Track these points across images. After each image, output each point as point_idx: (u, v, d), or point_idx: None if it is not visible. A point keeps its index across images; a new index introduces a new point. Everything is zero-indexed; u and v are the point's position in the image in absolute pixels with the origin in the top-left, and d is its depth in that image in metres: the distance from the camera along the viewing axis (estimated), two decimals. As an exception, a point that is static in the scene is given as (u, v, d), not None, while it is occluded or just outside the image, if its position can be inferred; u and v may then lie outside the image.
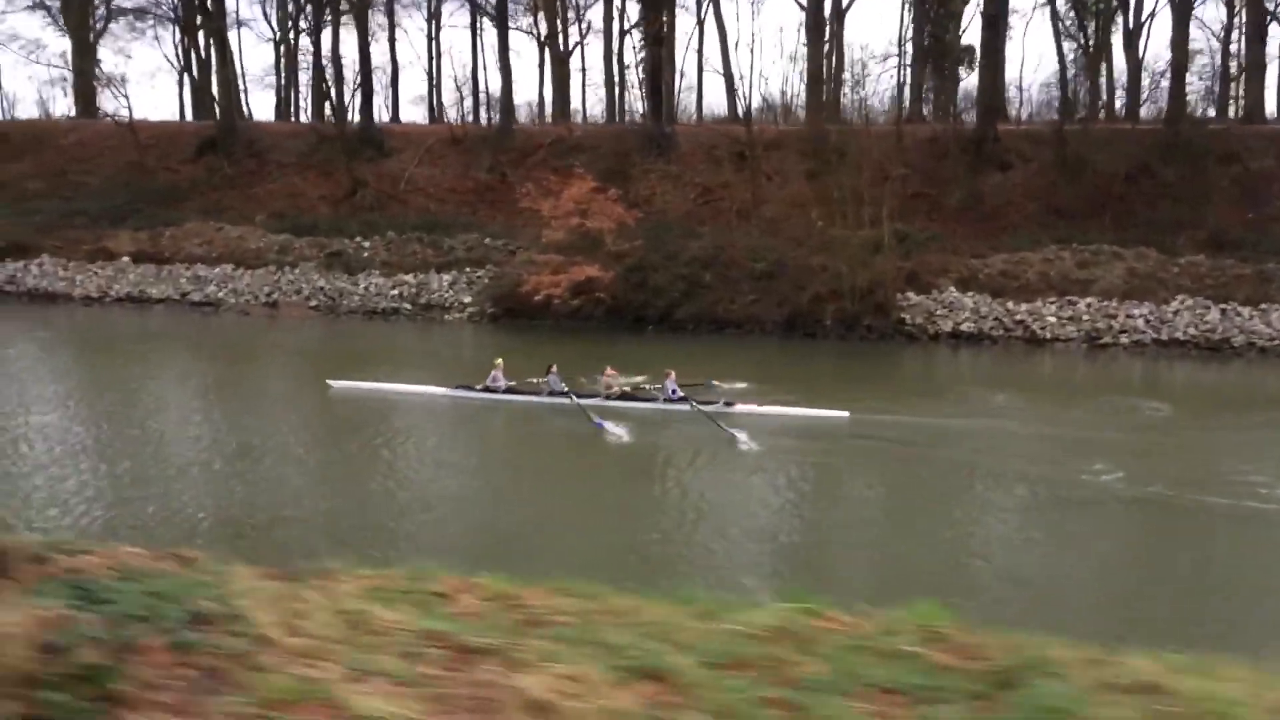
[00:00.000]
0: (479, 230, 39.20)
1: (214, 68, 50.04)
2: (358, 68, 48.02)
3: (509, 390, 21.90)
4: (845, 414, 20.04)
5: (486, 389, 21.96)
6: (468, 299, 36.21)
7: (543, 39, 50.60)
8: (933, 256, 33.46)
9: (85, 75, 60.21)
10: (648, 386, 22.14)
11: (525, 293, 33.52)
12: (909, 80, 52.01)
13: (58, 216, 41.84)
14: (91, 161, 47.16)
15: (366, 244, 38.95)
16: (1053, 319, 31.09)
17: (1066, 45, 47.39)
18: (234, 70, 49.74)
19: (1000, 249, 33.81)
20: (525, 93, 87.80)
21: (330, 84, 47.90)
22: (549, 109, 53.57)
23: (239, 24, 52.30)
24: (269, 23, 64.59)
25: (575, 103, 54.99)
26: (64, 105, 59.42)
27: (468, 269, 37.12)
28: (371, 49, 48.03)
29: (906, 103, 50.12)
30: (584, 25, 54.17)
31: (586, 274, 32.13)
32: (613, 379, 22.19)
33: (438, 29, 52.95)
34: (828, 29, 45.09)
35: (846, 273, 31.98)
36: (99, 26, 57.77)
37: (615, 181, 40.94)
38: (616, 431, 19.00)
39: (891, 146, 37.62)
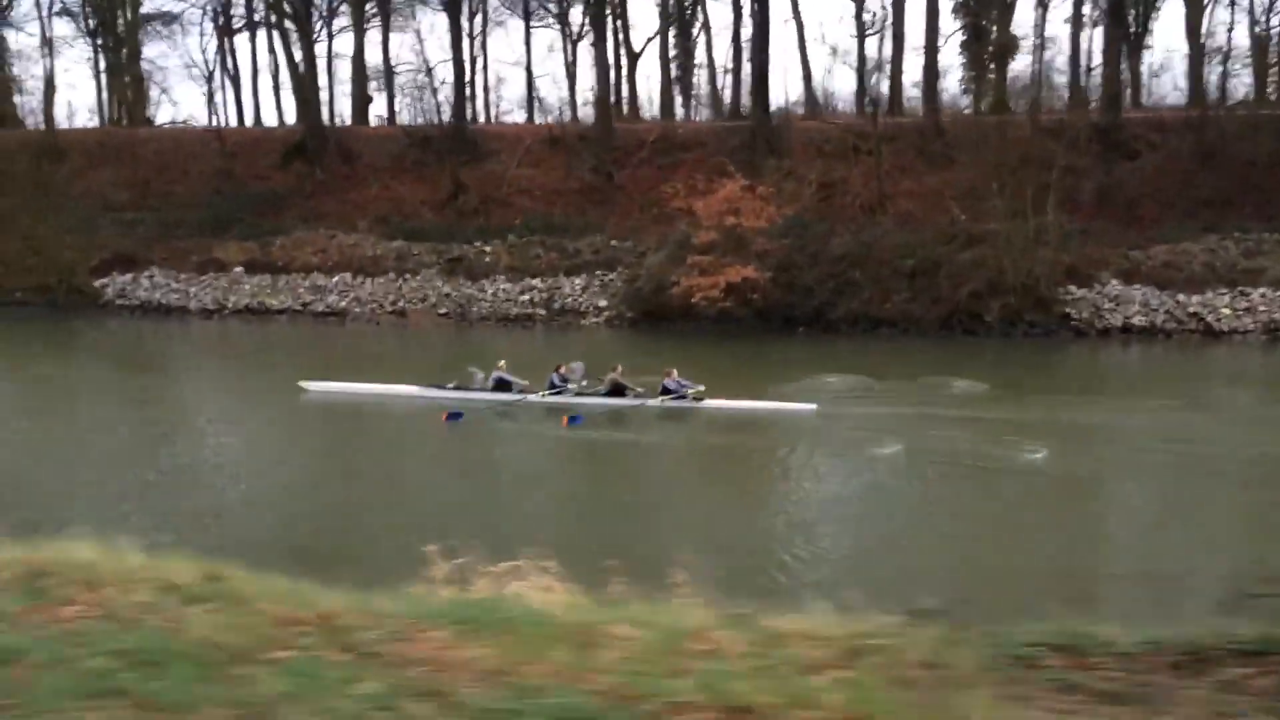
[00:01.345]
0: (599, 232, 38.42)
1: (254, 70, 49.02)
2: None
3: (498, 386, 21.83)
4: (812, 407, 20.88)
5: (458, 386, 22.01)
6: (603, 303, 35.48)
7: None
8: (1090, 249, 32.86)
9: (138, 82, 59.20)
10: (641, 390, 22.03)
11: (673, 295, 32.80)
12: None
13: (159, 227, 40.86)
14: (176, 170, 46.13)
15: (487, 249, 38.11)
16: (1227, 310, 30.58)
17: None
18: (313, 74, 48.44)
19: (1152, 240, 33.25)
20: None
21: (427, 86, 46.82)
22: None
23: (328, 27, 50.64)
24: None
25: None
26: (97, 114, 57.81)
27: (598, 272, 36.34)
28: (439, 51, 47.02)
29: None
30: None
31: (742, 275, 31.40)
32: (618, 376, 22.18)
33: (529, 30, 51.67)
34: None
35: (1009, 267, 31.37)
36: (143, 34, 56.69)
37: (722, 180, 40.47)
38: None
39: (1019, 137, 36.87)
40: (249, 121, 55.04)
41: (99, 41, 56.24)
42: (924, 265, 32.83)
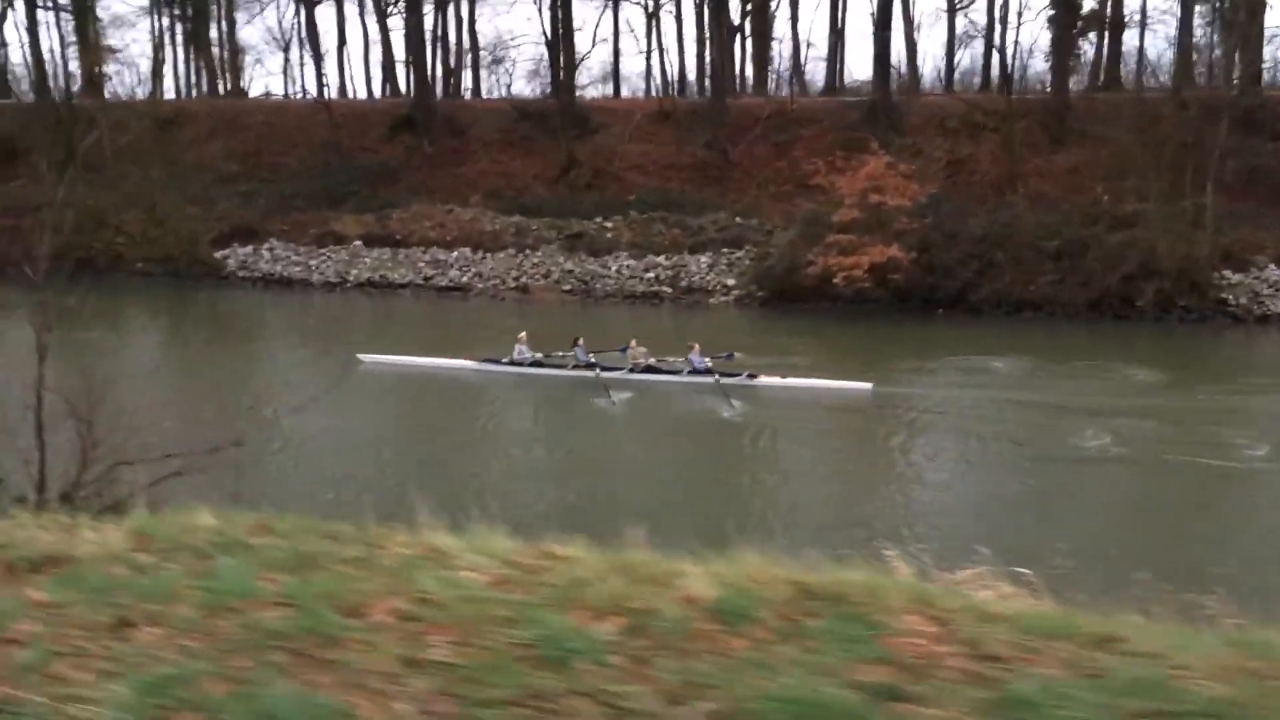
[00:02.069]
0: (717, 209, 37.76)
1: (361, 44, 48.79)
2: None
3: (534, 364, 22.27)
4: (869, 386, 20.62)
5: (513, 362, 22.31)
6: (730, 281, 34.89)
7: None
8: (1244, 232, 31.70)
9: (235, 53, 59.28)
10: (671, 359, 22.26)
11: (809, 274, 32.13)
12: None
13: (276, 199, 40.81)
14: (284, 141, 46.09)
15: (608, 224, 37.62)
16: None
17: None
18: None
19: (1309, 222, 32.01)
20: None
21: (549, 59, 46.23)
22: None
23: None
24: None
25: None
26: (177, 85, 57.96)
27: (724, 250, 35.73)
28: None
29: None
30: None
31: (887, 254, 30.65)
32: (637, 351, 22.35)
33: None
34: None
35: (1163, 250, 30.34)
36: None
37: (840, 158, 39.60)
38: (615, 400, 20.27)
39: (1160, 115, 35.58)
40: (332, 93, 55.11)
41: (178, 12, 56.34)
42: (1070, 247, 31.86)
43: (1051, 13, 40.76)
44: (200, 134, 46.31)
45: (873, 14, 42.57)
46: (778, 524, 13.96)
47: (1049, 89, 42.87)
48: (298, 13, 55.22)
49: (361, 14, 57.85)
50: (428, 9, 47.29)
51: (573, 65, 45.84)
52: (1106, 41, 48.65)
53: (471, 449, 18.06)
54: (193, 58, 55.88)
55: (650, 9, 52.00)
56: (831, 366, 24.57)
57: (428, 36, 48.26)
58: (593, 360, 21.97)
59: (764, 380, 20.90)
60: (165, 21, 55.78)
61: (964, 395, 21.48)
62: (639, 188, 40.56)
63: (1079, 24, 42.86)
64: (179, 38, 57.69)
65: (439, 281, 36.81)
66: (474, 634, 2.81)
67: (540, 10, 46.06)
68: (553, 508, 14.45)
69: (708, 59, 46.39)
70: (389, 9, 49.65)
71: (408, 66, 47.05)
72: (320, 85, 54.90)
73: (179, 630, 2.88)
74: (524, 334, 22.69)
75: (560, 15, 44.59)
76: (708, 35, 45.76)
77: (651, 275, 35.61)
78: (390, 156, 44.18)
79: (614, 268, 36.03)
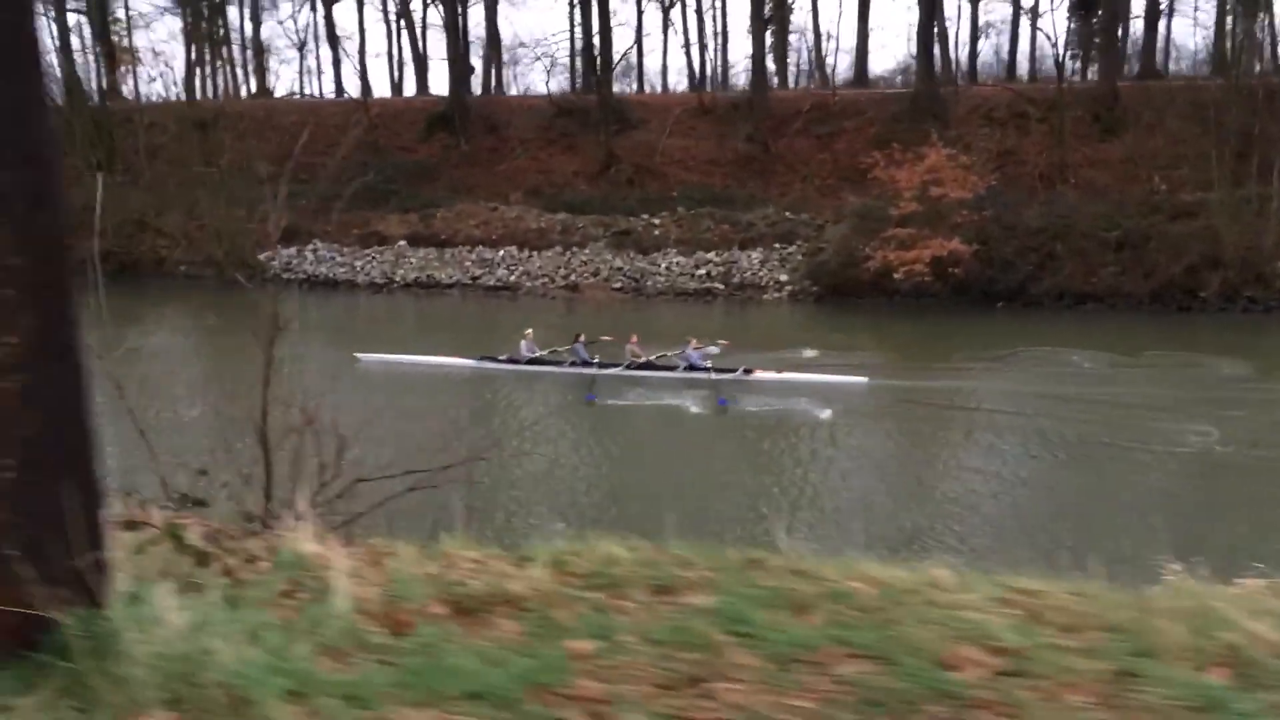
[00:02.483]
0: (762, 204, 37.38)
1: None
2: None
3: (531, 361, 22.37)
4: (864, 380, 20.71)
5: (511, 359, 22.53)
6: (783, 277, 34.53)
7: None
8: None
9: (260, 54, 59.03)
10: (669, 354, 22.29)
11: (867, 269, 31.79)
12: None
13: (316, 199, 40.35)
14: (319, 141, 45.59)
15: (655, 221, 37.27)
16: None
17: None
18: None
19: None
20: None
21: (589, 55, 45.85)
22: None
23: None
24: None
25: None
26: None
27: (776, 245, 35.35)
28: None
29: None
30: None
31: (949, 248, 30.26)
32: (635, 348, 22.38)
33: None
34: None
35: (1228, 240, 29.90)
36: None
37: (885, 150, 39.24)
38: (596, 395, 20.46)
39: (1214, 102, 35.07)
40: (352, 91, 54.79)
41: (191, 10, 55.94)
42: (1131, 238, 31.45)
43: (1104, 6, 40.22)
44: (233, 135, 46.09)
45: (918, 6, 42.05)
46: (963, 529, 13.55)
47: (1083, 78, 42.39)
48: (314, 8, 55.18)
49: (385, 13, 57.47)
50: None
51: (610, 61, 45.32)
52: (1133, 30, 48.64)
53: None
54: (219, 58, 55.33)
55: (668, 2, 51.86)
56: (897, 363, 24.35)
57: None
58: (591, 358, 22.13)
59: (759, 375, 21.10)
60: (187, 20, 55.41)
61: (1052, 390, 21.10)
62: (681, 183, 40.23)
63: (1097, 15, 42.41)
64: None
65: (487, 281, 36.52)
66: (1118, 693, 2.47)
67: (573, 7, 45.46)
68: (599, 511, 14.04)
69: (732, 52, 45.74)
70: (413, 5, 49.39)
71: (451, 64, 46.37)
72: (338, 84, 55.05)
73: (767, 687, 2.55)
74: (530, 331, 22.98)
75: (598, 11, 44.15)
76: (750, 29, 45.15)
77: (703, 272, 35.26)
78: (427, 155, 43.91)
79: (664, 265, 35.69)
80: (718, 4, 49.59)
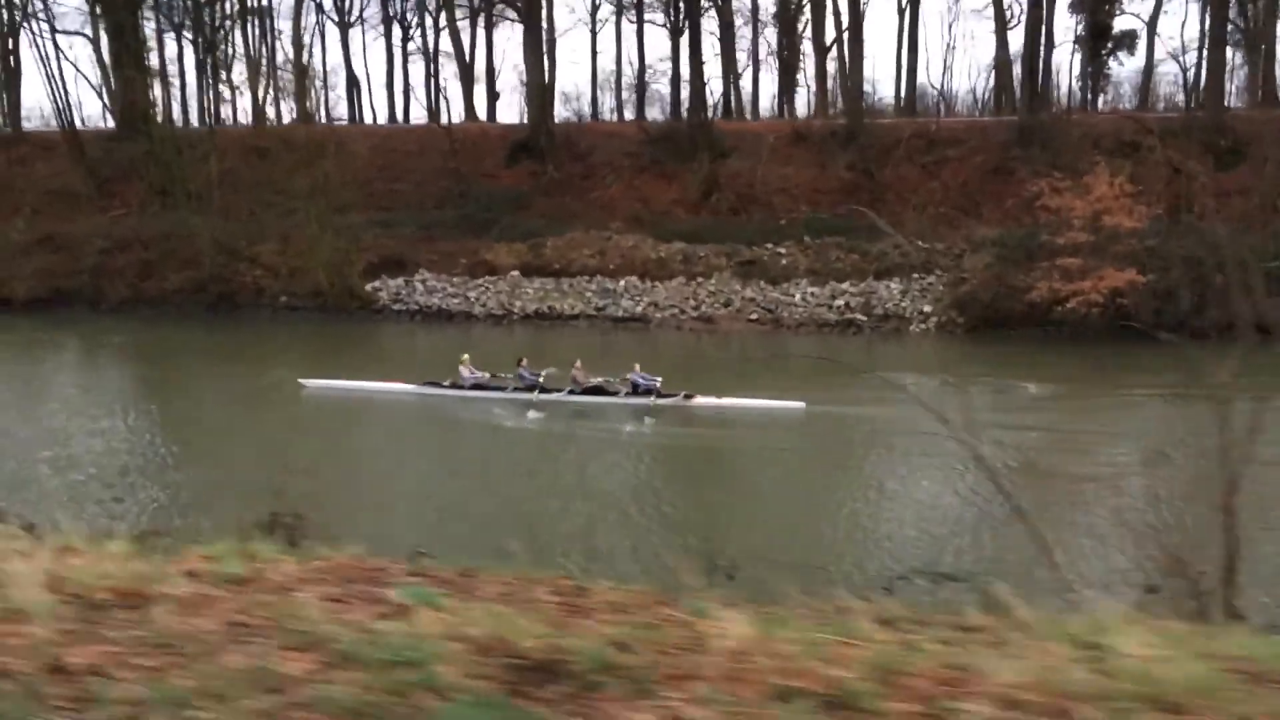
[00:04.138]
0: (898, 233, 36.53)
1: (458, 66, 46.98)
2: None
3: (475, 386, 22.39)
4: (801, 404, 20.41)
5: (454, 385, 22.45)
6: (927, 308, 33.68)
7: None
8: None
9: (301, 77, 57.01)
10: (613, 379, 22.37)
11: (1029, 299, 31.09)
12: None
13: (416, 229, 38.77)
14: (396, 168, 44.03)
15: (781, 250, 36.27)
16: None
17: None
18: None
19: None
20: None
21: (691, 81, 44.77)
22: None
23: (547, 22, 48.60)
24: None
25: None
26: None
27: (915, 276, 34.53)
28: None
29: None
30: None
31: (1124, 279, 29.67)
32: (579, 373, 22.38)
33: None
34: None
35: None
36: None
37: (999, 178, 38.86)
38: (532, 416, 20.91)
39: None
40: (381, 117, 53.20)
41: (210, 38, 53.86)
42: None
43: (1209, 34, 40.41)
44: (299, 161, 44.11)
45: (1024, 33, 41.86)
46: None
47: (1190, 107, 42.50)
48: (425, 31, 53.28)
49: (437, 37, 56.02)
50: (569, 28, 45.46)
51: (702, 89, 44.39)
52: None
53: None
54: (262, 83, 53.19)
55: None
56: (1076, 396, 23.48)
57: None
58: (538, 380, 21.98)
59: (699, 401, 21.14)
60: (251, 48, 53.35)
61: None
62: (784, 211, 39.32)
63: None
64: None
65: (612, 312, 35.11)
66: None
67: (676, 36, 44.54)
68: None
69: (848, 80, 45.18)
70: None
71: (531, 90, 45.02)
72: (372, 110, 53.39)
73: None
74: (467, 356, 22.86)
75: (692, 40, 43.27)
76: (849, 56, 44.61)
77: (841, 303, 34.28)
78: (514, 183, 42.42)
79: (798, 295, 34.65)
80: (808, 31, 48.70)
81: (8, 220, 39.51)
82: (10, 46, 46.89)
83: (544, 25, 45.32)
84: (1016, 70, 45.80)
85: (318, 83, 53.92)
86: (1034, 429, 20.03)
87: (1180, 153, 37.59)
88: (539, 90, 44.72)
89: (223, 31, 53.59)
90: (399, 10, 56.62)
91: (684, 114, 44.60)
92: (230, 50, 53.11)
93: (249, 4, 52.10)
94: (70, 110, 45.32)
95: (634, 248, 37.06)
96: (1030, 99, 41.31)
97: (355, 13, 56.25)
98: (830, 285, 34.78)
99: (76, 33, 54.00)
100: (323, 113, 54.62)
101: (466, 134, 45.85)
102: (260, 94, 47.58)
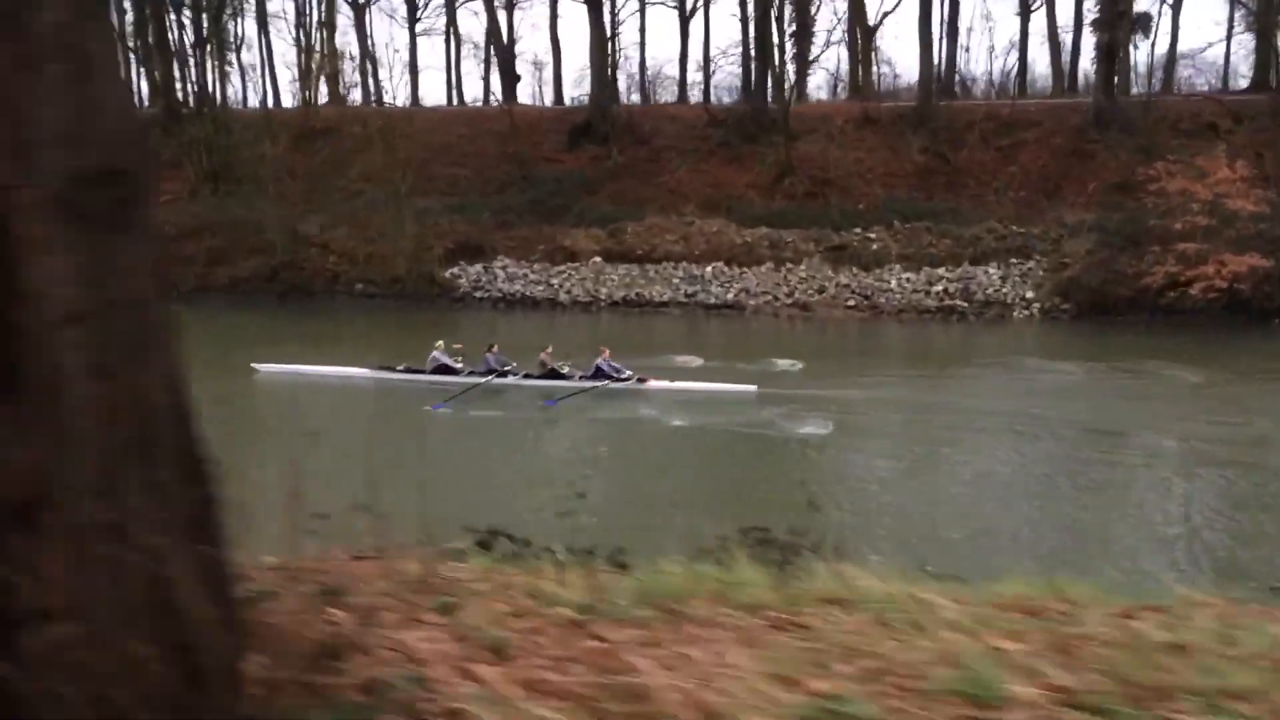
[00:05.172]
0: (990, 217, 35.83)
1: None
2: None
3: (436, 370, 21.89)
4: (753, 388, 20.38)
5: (410, 370, 22.04)
6: (1029, 294, 32.98)
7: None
8: None
9: (334, 58, 55.46)
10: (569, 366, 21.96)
11: (1143, 285, 30.49)
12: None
13: (489, 214, 37.56)
14: (454, 152, 42.69)
15: (871, 235, 35.44)
16: None
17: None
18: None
19: None
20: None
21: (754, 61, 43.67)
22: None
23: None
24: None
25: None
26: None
27: (1013, 261, 33.82)
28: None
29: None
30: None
31: (1246, 263, 29.10)
32: (548, 358, 21.94)
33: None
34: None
35: None
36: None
37: (1078, 161, 38.26)
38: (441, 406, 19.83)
39: None
40: (429, 101, 51.73)
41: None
42: None
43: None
44: (352, 146, 42.72)
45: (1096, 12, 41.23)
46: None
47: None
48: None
49: (502, 18, 54.50)
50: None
51: (767, 71, 43.28)
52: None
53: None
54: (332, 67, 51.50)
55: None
56: (1235, 384, 22.74)
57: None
58: (506, 367, 21.66)
59: (652, 384, 21.11)
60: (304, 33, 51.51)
61: None
62: (862, 195, 38.50)
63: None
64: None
65: (703, 299, 34.14)
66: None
67: (745, 23, 43.45)
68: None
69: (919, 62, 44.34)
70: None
71: (595, 71, 43.83)
72: (414, 93, 51.77)
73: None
74: (440, 342, 22.50)
75: (762, 21, 42.22)
76: (919, 39, 43.74)
77: (939, 289, 33.50)
78: (576, 166, 41.28)
79: (893, 282, 33.84)
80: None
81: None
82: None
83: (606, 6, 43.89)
84: (1031, 51, 45.33)
85: (354, 65, 52.32)
86: (1225, 422, 19.20)
87: (1258, 133, 37.20)
88: (601, 72, 43.55)
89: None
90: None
91: (762, 96, 43.39)
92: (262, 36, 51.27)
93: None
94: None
95: (718, 233, 36.08)
96: (1105, 82, 40.62)
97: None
98: (925, 271, 34.02)
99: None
100: (356, 96, 53.12)
101: (524, 117, 44.61)
102: (315, 77, 45.70)
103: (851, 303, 33.48)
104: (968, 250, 34.44)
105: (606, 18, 44.17)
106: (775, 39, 42.62)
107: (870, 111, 42.29)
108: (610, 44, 44.51)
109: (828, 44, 53.40)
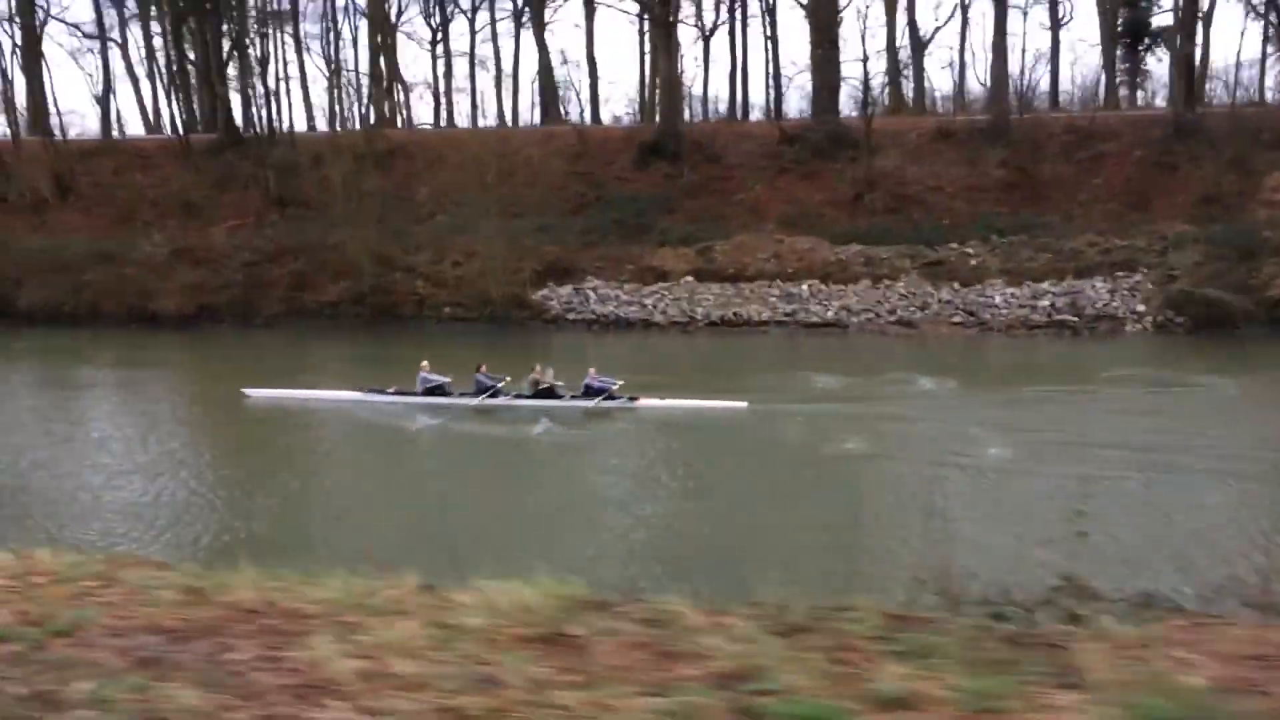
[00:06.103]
0: (1088, 230, 35.18)
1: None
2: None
3: (428, 391, 21.92)
4: (743, 404, 20.51)
5: (400, 392, 22.02)
6: (1140, 307, 32.30)
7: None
8: None
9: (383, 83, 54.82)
10: (559, 383, 22.13)
11: (1270, 296, 29.89)
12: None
13: (573, 235, 36.73)
14: (518, 172, 41.87)
15: (969, 250, 34.76)
16: None
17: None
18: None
19: None
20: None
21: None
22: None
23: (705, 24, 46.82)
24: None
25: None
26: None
27: (1119, 274, 33.16)
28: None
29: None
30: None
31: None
32: (540, 376, 22.11)
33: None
34: None
35: None
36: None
37: (1163, 173, 37.76)
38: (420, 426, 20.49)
39: None
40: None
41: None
42: None
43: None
44: (417, 167, 41.95)
45: (1176, 22, 40.89)
46: None
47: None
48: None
49: (513, 35, 54.03)
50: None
51: (836, 88, 42.80)
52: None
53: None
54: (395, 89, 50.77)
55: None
56: None
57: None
58: (496, 386, 21.75)
59: (644, 402, 21.11)
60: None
61: None
62: (945, 210, 37.89)
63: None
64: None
65: (803, 317, 33.35)
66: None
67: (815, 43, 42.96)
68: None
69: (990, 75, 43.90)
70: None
71: (664, 92, 43.19)
72: (435, 113, 50.79)
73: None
74: (426, 362, 22.38)
75: (828, 36, 41.75)
76: (993, 50, 43.31)
77: (1045, 304, 32.79)
78: (648, 185, 40.55)
79: (997, 297, 33.11)
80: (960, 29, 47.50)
81: (124, 231, 36.88)
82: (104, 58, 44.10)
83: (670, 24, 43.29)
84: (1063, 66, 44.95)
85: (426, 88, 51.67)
86: None
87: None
88: (670, 91, 42.93)
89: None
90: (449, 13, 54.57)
91: (834, 111, 42.81)
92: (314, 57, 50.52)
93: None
94: (175, 119, 42.60)
95: (810, 250, 35.34)
96: (1187, 94, 40.23)
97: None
98: (1028, 285, 33.31)
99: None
100: (402, 117, 52.37)
101: (590, 137, 43.91)
102: (379, 101, 44.97)
103: (957, 319, 32.73)
104: (1070, 264, 33.78)
105: (678, 39, 43.59)
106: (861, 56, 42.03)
107: (944, 126, 41.80)
108: (679, 64, 43.85)
109: (898, 63, 52.78)
